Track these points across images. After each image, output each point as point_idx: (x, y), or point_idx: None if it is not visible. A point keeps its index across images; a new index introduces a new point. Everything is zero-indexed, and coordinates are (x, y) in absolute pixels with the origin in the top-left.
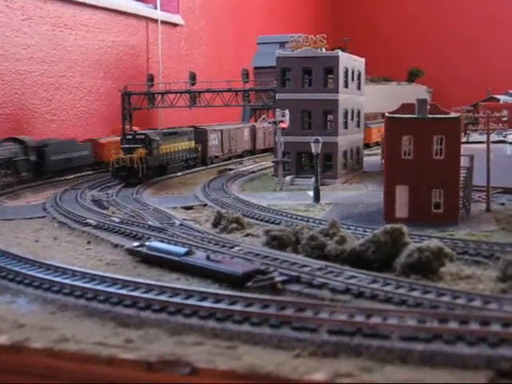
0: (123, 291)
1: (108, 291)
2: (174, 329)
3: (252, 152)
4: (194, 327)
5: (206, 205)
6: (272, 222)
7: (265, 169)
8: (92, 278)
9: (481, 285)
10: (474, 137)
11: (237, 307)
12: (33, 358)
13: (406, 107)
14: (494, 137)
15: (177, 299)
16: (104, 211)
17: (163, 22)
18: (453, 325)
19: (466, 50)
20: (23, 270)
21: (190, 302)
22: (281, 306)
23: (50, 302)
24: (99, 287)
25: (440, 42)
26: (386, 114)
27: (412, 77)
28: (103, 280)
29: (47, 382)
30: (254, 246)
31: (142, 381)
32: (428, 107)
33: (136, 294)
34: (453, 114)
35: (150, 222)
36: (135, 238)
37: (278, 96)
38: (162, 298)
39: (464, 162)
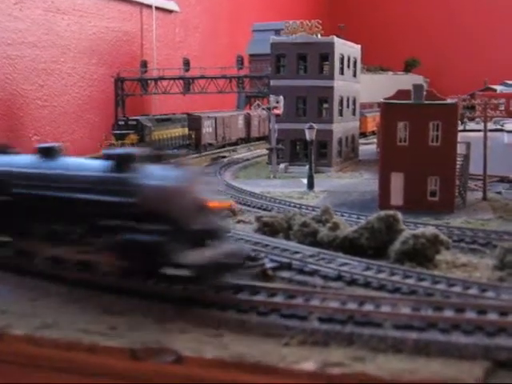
0: None
1: None
2: (159, 316)
3: (246, 140)
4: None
5: None
6: (265, 209)
7: (259, 156)
8: None
9: (477, 273)
10: (471, 126)
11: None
12: (14, 345)
13: (402, 93)
14: (491, 126)
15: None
16: None
17: (158, 8)
18: (448, 313)
19: (463, 41)
20: None
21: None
22: (270, 293)
23: (33, 287)
24: None
25: (437, 31)
26: (382, 100)
27: (408, 67)
28: None
29: (28, 369)
30: (245, 233)
31: (126, 369)
32: (424, 94)
33: None
34: (449, 100)
35: None
36: None
37: (272, 82)
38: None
39: (461, 149)
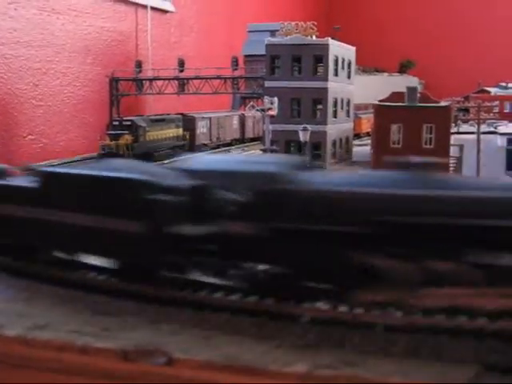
0: None
1: None
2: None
3: (241, 140)
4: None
5: None
6: None
7: None
8: None
9: None
10: (465, 128)
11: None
12: (6, 346)
13: (396, 96)
14: (484, 128)
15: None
16: None
17: (153, 9)
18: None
19: (458, 42)
20: None
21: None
22: None
23: (26, 288)
24: None
25: (432, 33)
26: (375, 102)
27: (403, 68)
28: None
29: (20, 370)
30: None
31: (117, 370)
32: (418, 96)
33: None
34: (443, 103)
35: None
36: None
37: (267, 84)
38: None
39: (454, 152)
